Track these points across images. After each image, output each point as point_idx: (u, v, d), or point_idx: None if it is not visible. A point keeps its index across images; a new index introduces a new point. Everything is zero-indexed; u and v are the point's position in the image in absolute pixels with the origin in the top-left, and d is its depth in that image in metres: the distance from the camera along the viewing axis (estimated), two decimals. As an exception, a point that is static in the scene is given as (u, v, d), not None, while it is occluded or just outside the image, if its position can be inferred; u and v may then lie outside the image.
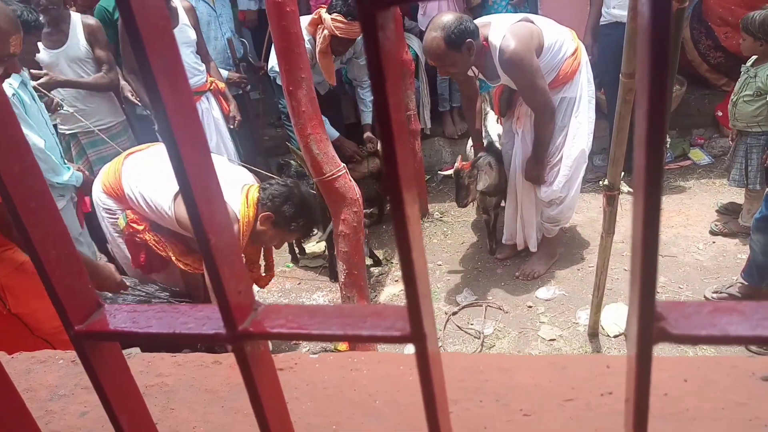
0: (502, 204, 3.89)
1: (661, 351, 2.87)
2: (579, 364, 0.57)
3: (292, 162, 3.96)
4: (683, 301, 0.30)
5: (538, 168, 3.39)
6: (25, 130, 2.81)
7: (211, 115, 4.03)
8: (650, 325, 0.29)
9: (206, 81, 3.99)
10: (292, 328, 0.33)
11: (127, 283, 2.40)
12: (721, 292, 3.22)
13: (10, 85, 2.87)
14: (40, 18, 3.14)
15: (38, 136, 2.91)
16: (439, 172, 4.25)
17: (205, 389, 0.62)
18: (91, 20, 3.82)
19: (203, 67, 4.00)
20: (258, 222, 2.50)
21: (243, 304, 0.34)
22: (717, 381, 0.52)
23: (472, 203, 3.83)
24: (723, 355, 2.90)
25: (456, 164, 3.61)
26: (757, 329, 0.28)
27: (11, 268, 2.11)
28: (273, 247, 2.89)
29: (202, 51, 4.04)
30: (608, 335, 3.17)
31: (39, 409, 0.67)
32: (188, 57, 3.91)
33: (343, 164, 2.56)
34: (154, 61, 0.28)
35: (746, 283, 3.09)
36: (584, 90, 3.30)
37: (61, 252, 0.36)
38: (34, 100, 3.09)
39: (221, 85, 4.11)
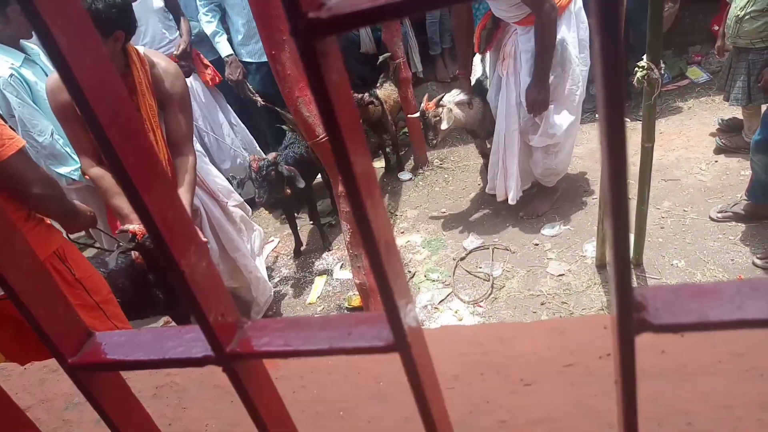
0: None
1: (670, 276, 2.90)
2: (576, 327, 0.57)
3: (284, 128, 3.92)
4: (663, 286, 0.30)
5: (542, 92, 3.15)
6: (27, 115, 2.74)
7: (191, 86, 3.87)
8: (630, 316, 0.29)
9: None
10: (279, 346, 0.33)
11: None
12: (726, 212, 3.22)
13: (11, 64, 2.74)
14: None
15: (43, 120, 2.81)
16: (408, 116, 4.16)
17: (213, 385, 0.63)
18: None
19: (174, 35, 3.82)
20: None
21: (227, 325, 0.34)
22: (714, 333, 0.52)
23: (441, 142, 3.74)
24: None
25: (422, 104, 3.56)
26: (737, 313, 0.28)
27: (62, 237, 2.14)
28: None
29: (172, 4, 3.83)
30: (616, 265, 3.19)
31: (57, 420, 0.69)
32: (155, 27, 3.74)
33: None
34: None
35: (751, 202, 3.08)
36: (575, 32, 3.18)
37: (41, 288, 0.36)
38: (47, 75, 2.96)
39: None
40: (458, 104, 3.51)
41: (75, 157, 2.92)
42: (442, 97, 3.53)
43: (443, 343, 0.57)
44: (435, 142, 3.61)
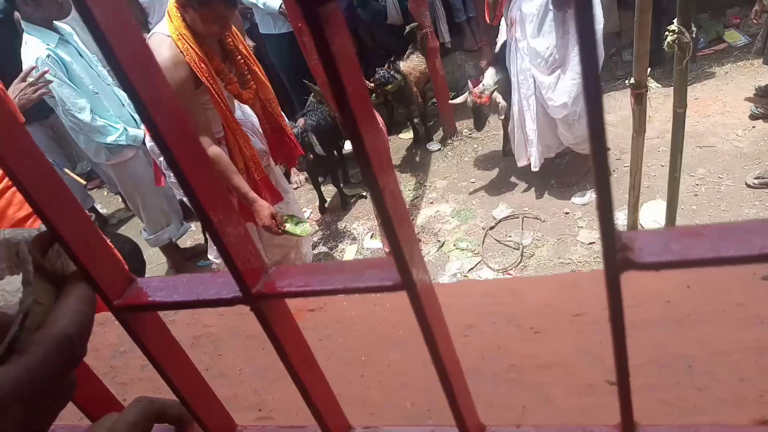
0: None
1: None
2: (587, 280, 0.60)
3: (311, 99, 3.94)
4: (647, 230, 0.33)
5: None
6: (66, 93, 2.81)
7: None
8: (615, 256, 0.31)
9: None
10: (300, 287, 0.37)
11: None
12: (763, 178, 3.14)
13: (47, 45, 2.84)
14: None
15: (81, 98, 2.90)
16: (450, 102, 4.17)
17: (246, 335, 0.68)
18: None
19: None
20: (184, 20, 2.19)
21: (254, 269, 0.38)
22: (717, 284, 0.54)
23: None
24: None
25: (468, 97, 3.57)
26: (713, 251, 0.30)
27: None
28: (243, 57, 2.47)
29: None
30: (648, 233, 3.16)
31: (104, 366, 0.75)
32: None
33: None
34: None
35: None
36: None
37: (87, 238, 0.40)
38: (81, 55, 3.06)
39: None
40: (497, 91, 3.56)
41: (116, 125, 3.03)
42: (494, 90, 3.54)
43: (458, 296, 0.60)
44: (482, 124, 3.75)
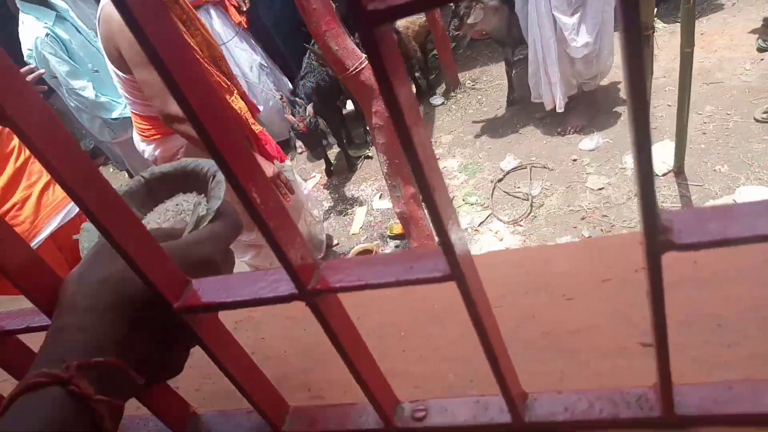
0: (526, 53, 3.76)
1: (712, 183, 2.87)
2: (613, 244, 0.62)
3: (312, 63, 3.89)
4: (686, 210, 0.34)
5: None
6: (67, 72, 2.78)
7: (215, 31, 3.75)
8: (657, 239, 0.33)
9: None
10: (353, 282, 0.39)
11: None
12: (771, 112, 3.12)
13: (45, 24, 2.79)
14: None
15: (83, 76, 2.87)
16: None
17: (285, 317, 0.71)
18: None
19: None
20: None
21: (306, 266, 0.40)
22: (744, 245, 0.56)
23: (465, 40, 3.79)
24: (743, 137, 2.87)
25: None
26: (752, 230, 0.32)
27: None
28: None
29: None
30: (657, 174, 3.16)
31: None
32: None
33: (365, 55, 2.51)
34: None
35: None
36: None
37: (142, 244, 0.42)
38: (79, 31, 3.02)
39: None
40: (487, 9, 3.51)
41: (118, 99, 3.02)
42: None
43: (489, 267, 0.63)
44: (457, 35, 3.68)
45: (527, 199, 3.34)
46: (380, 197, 3.88)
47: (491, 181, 3.58)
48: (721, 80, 3.54)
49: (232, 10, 3.94)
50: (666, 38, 3.95)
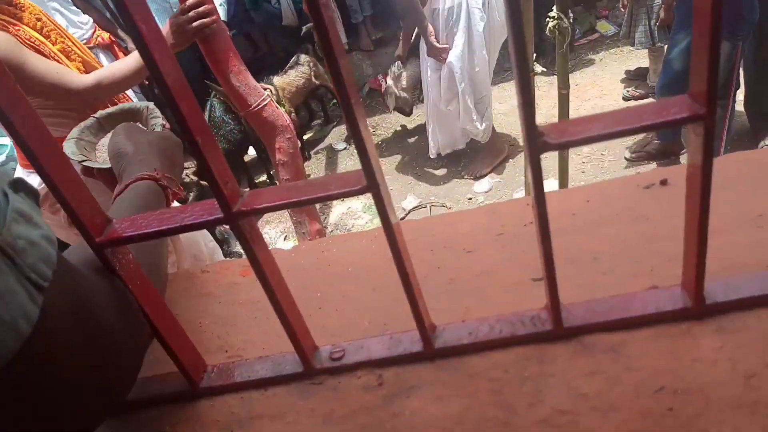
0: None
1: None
2: (507, 206, 0.69)
3: (215, 101, 3.87)
4: (555, 123, 0.41)
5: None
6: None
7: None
8: (536, 141, 0.40)
9: (92, 36, 3.27)
10: (275, 201, 0.43)
11: None
12: (639, 152, 3.48)
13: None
14: None
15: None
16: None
17: (200, 294, 0.71)
18: None
19: (87, 18, 3.28)
20: None
21: (232, 192, 0.43)
22: (611, 196, 0.65)
23: (396, 107, 4.11)
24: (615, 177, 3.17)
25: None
26: (607, 128, 0.39)
27: None
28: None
29: None
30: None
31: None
32: (64, 7, 3.19)
33: (267, 92, 2.55)
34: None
35: (661, 141, 3.35)
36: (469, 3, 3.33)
37: (72, 185, 0.44)
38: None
39: (106, 35, 3.34)
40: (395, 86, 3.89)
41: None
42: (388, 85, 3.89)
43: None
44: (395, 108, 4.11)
45: (429, 236, 3.46)
46: (285, 239, 3.87)
47: (394, 220, 3.69)
48: (595, 125, 3.92)
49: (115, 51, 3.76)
50: (546, 88, 4.34)
